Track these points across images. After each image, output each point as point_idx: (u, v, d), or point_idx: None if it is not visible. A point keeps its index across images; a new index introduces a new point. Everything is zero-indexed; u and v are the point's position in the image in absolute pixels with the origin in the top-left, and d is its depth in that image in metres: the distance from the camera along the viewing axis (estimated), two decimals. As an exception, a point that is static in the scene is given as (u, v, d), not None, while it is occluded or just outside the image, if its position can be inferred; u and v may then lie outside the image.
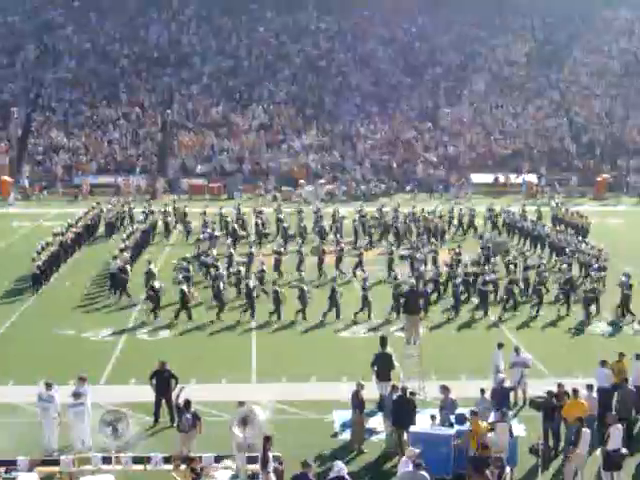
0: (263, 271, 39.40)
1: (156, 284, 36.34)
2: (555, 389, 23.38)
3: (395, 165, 77.44)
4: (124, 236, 46.76)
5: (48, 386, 23.25)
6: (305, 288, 36.24)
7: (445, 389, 23.64)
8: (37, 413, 23.29)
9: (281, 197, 67.80)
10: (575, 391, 22.88)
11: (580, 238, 46.79)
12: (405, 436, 22.39)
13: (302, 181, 72.52)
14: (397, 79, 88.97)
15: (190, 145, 78.91)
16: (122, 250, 41.90)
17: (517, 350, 27.23)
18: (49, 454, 22.05)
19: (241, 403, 22.19)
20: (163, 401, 24.78)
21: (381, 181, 73.96)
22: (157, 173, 74.44)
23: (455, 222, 54.66)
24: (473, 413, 21.37)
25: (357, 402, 23.68)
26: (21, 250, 48.67)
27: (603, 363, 25.44)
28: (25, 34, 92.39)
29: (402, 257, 44.71)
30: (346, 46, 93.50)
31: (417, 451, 19.70)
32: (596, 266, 39.44)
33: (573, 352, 29.65)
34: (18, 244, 51.52)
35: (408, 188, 72.08)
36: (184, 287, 35.78)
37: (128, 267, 39.63)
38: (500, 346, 27.29)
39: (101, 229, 54.01)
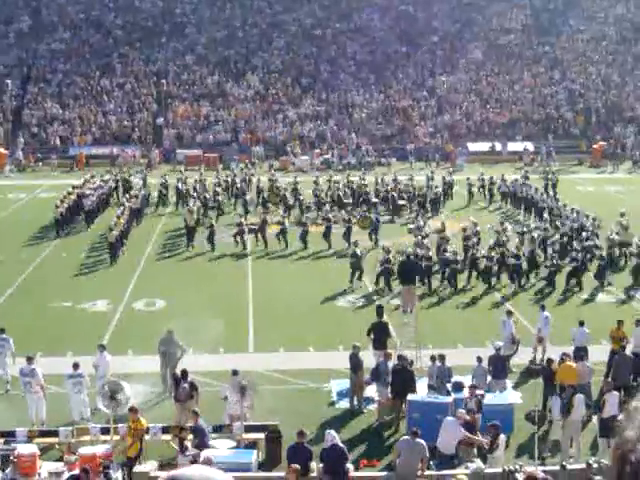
0: None
1: (357, 251, 36.46)
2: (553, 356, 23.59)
3: (391, 134, 77.35)
4: (121, 206, 47.09)
5: (29, 360, 23.29)
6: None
7: (435, 359, 23.77)
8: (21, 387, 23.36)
9: (277, 166, 67.73)
10: (566, 355, 23.12)
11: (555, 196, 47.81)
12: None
13: (297, 150, 72.35)
14: (393, 48, 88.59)
15: (185, 115, 78.73)
16: (119, 217, 42.98)
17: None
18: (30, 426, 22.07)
19: (235, 372, 22.28)
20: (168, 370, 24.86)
21: (378, 150, 73.73)
22: (152, 144, 74.28)
23: (450, 191, 54.85)
24: (132, 410, 20.36)
25: (356, 363, 23.79)
26: (17, 221, 48.83)
27: (581, 324, 25.86)
28: (18, 5, 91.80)
29: (410, 231, 44.10)
30: (341, 14, 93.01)
31: (466, 416, 19.88)
32: (584, 235, 39.36)
33: (570, 320, 29.61)
34: (14, 216, 51.45)
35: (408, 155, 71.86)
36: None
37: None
38: (509, 314, 27.41)
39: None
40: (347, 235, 42.41)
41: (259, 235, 43.15)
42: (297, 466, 17.19)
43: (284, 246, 42.32)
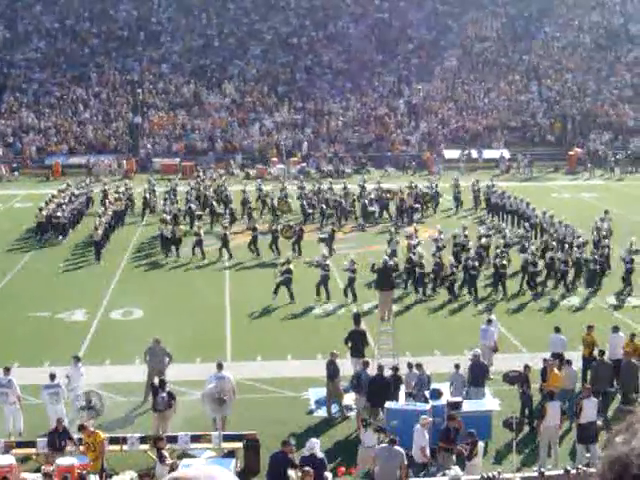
0: None
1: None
2: (531, 363, 23.67)
3: (368, 142, 77.42)
4: (101, 209, 47.70)
5: (6, 370, 23.16)
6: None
7: (412, 366, 23.78)
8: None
9: (253, 175, 67.64)
10: (548, 361, 23.27)
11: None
12: (381, 413, 22.53)
13: (274, 159, 72.25)
14: (369, 56, 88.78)
15: (161, 124, 78.56)
16: (100, 216, 44.69)
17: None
18: (7, 437, 21.92)
19: (219, 365, 22.32)
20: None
21: (354, 158, 73.72)
22: (128, 153, 74.05)
23: (426, 199, 54.71)
24: (81, 428, 20.19)
25: (333, 370, 23.79)
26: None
27: (557, 330, 26.05)
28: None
29: (321, 240, 43.84)
30: (317, 23, 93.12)
31: (430, 419, 19.87)
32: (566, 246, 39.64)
33: (548, 327, 29.71)
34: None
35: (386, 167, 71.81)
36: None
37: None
38: (489, 322, 27.42)
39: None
40: (274, 244, 42.59)
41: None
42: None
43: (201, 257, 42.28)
